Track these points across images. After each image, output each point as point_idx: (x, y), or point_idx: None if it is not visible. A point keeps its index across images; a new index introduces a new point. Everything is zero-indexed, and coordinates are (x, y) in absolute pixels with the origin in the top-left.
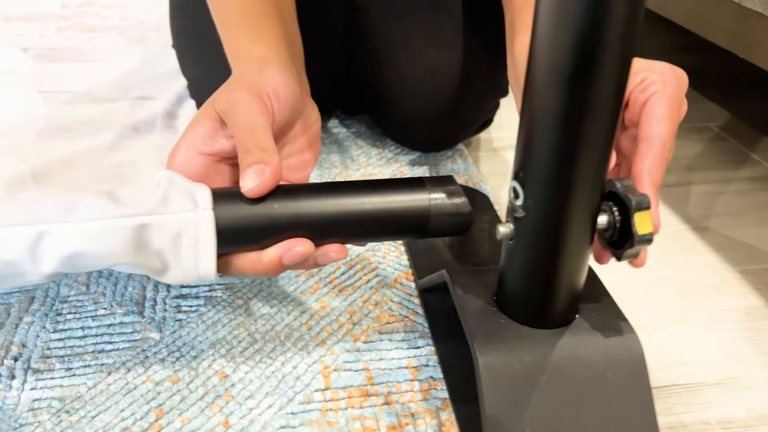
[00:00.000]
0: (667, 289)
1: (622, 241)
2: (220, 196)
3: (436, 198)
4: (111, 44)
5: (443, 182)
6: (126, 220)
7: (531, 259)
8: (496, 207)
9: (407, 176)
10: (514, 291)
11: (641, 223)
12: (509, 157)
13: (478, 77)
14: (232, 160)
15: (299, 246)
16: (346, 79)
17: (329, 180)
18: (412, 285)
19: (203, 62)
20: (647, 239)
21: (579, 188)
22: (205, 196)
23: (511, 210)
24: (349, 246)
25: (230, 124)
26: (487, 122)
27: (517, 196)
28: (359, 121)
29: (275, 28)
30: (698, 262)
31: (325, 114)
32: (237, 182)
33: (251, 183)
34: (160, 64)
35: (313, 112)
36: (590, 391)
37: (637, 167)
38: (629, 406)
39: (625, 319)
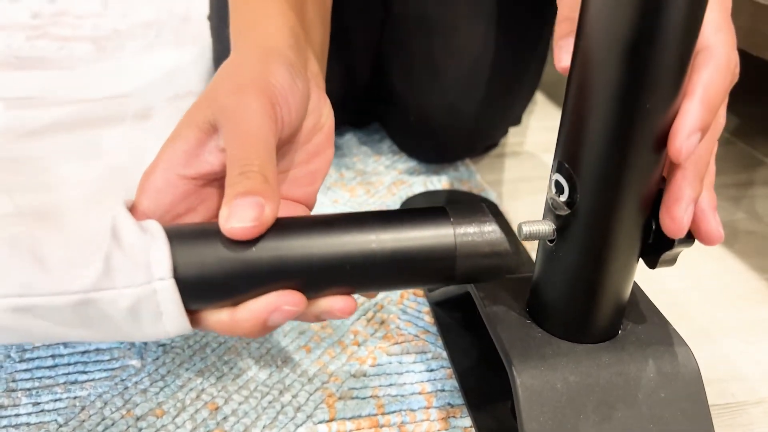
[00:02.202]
0: (694, 299)
1: (659, 245)
2: (182, 238)
3: (465, 233)
4: (83, 53)
5: (472, 212)
6: (58, 299)
7: (575, 264)
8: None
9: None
10: (553, 301)
11: None
12: (512, 165)
13: (502, 99)
14: (220, 181)
15: (289, 304)
16: (364, 90)
17: (323, 190)
18: (421, 301)
19: (227, 44)
20: (689, 239)
21: (637, 180)
22: (161, 257)
23: (552, 207)
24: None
25: (228, 131)
26: (491, 146)
27: (560, 191)
28: (357, 129)
29: (287, 9)
30: (723, 269)
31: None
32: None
33: (244, 221)
34: (136, 72)
35: (324, 107)
36: (644, 413)
37: (693, 78)
38: (688, 429)
39: (675, 332)
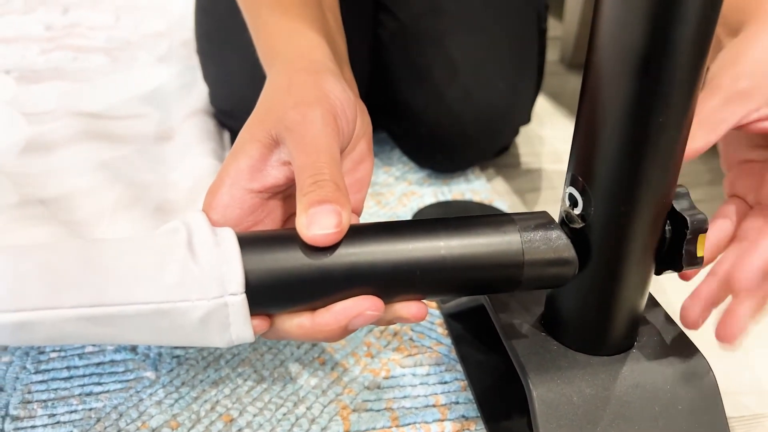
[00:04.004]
0: None
1: (670, 260)
2: (257, 245)
3: (531, 240)
4: (96, 65)
5: (537, 219)
6: (131, 308)
7: (590, 277)
8: None
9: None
10: (568, 313)
11: (696, 245)
12: (521, 175)
13: (509, 103)
14: (284, 193)
15: (371, 309)
16: (367, 97)
17: None
18: (434, 312)
19: (226, 65)
20: (698, 263)
21: (651, 193)
22: (234, 272)
23: (566, 220)
24: None
25: (294, 143)
26: (504, 149)
27: (574, 204)
28: None
29: (315, 18)
30: None
31: None
32: (289, 219)
33: (326, 228)
34: (150, 84)
35: (364, 115)
36: (660, 425)
37: (738, 262)
38: None
39: (690, 344)
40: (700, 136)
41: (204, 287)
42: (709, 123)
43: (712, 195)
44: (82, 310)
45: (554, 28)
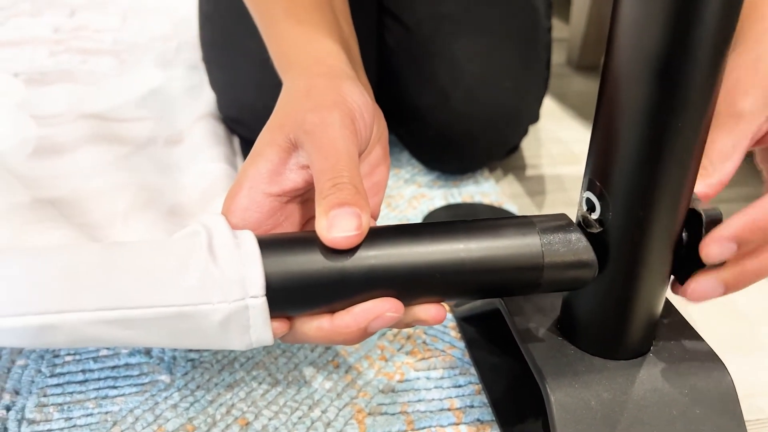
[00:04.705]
0: (721, 313)
1: (689, 263)
2: (278, 248)
3: (551, 242)
4: (105, 67)
5: (557, 221)
6: (152, 311)
7: (607, 281)
8: None
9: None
10: (585, 317)
11: None
12: (530, 177)
13: (516, 102)
14: (302, 197)
15: (390, 311)
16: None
17: None
18: (446, 316)
19: (232, 73)
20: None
21: (669, 197)
22: (255, 274)
23: (584, 225)
24: None
25: (313, 146)
26: (513, 148)
27: (592, 209)
28: None
29: (329, 24)
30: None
31: None
32: (307, 222)
33: (347, 230)
34: (158, 87)
35: (380, 120)
36: (678, 429)
37: (763, 200)
38: None
39: (708, 348)
40: (722, 169)
41: (225, 290)
42: (723, 155)
43: (740, 195)
44: (104, 312)
45: (561, 30)
